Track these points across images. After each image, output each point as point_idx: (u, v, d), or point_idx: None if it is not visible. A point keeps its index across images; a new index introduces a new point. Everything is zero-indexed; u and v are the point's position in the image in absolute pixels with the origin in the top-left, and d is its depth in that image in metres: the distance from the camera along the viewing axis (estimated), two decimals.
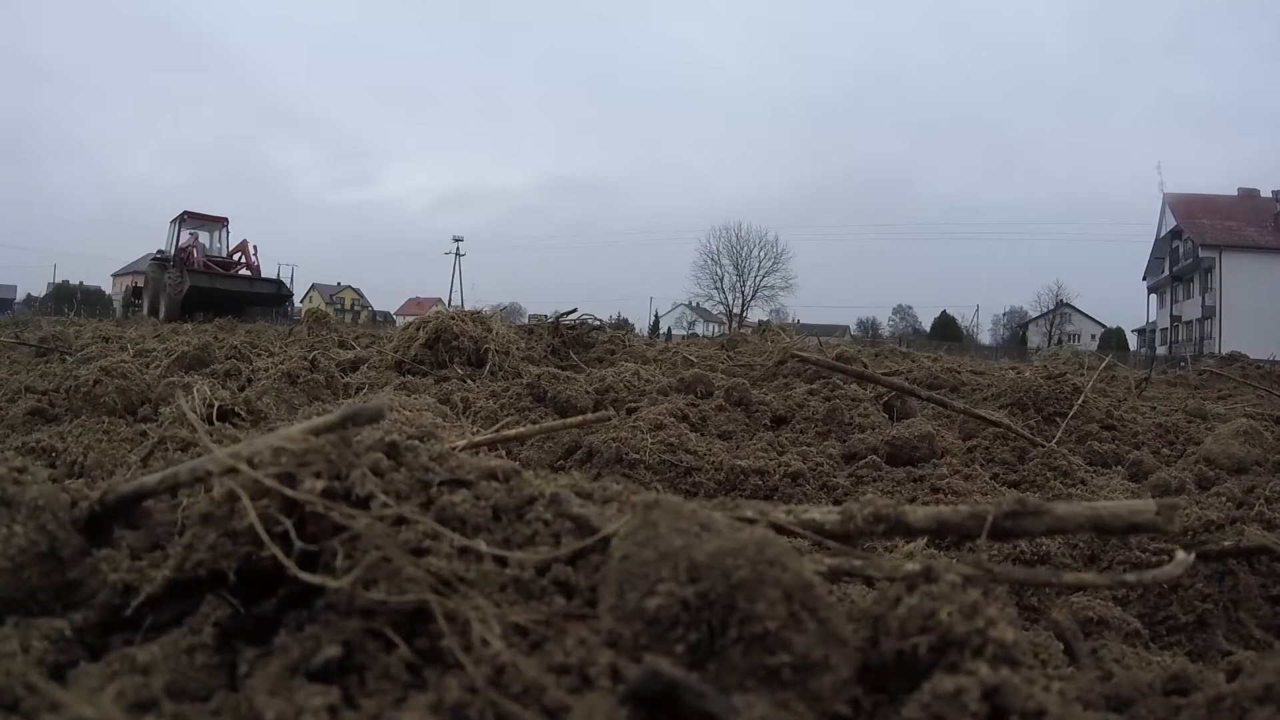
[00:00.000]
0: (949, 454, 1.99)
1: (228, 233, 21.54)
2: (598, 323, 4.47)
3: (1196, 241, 40.58)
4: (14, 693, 0.47)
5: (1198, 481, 1.84)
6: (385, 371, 3.02)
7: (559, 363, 3.61)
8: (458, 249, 52.52)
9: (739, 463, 1.79)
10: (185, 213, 20.48)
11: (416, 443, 0.66)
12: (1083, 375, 2.89)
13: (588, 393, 2.57)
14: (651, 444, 1.84)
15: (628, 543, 0.53)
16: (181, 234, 20.02)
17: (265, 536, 0.55)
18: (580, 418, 1.58)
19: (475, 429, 1.96)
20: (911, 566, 0.57)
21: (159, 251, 20.72)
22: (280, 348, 3.92)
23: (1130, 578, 0.62)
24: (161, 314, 17.33)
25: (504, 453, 1.73)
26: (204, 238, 20.44)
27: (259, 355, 3.33)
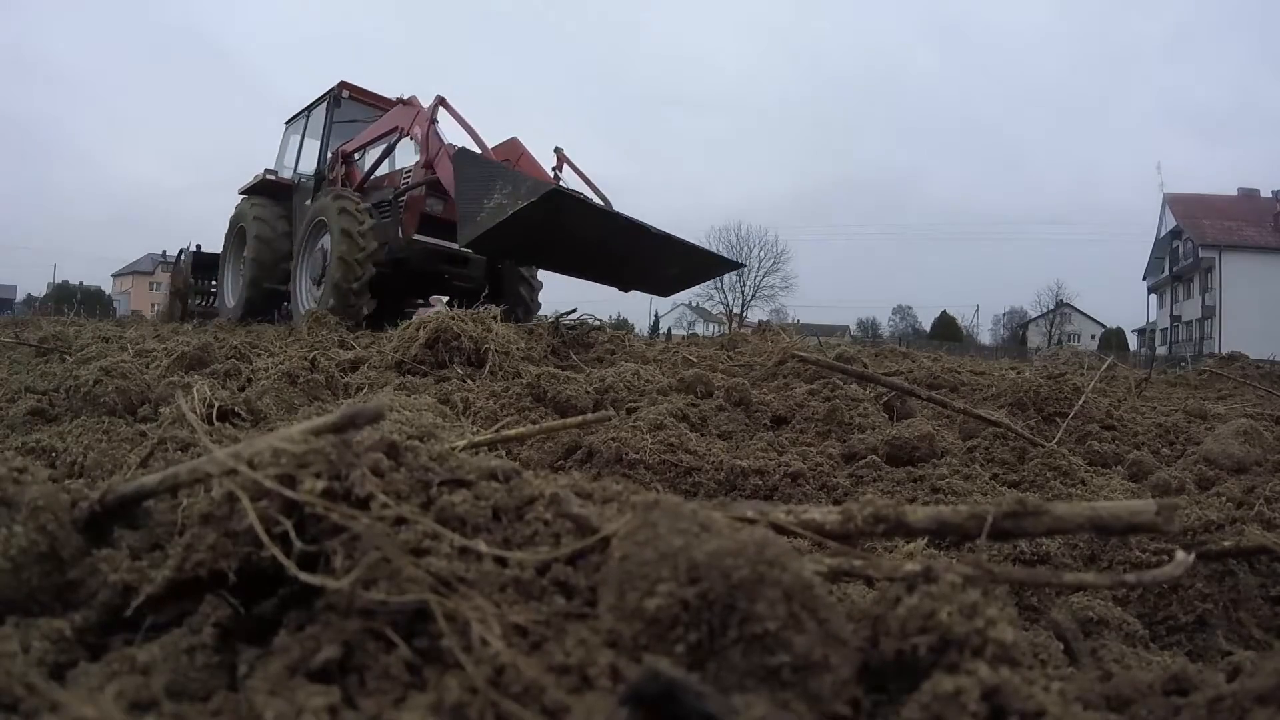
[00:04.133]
0: (949, 454, 1.99)
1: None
2: (598, 323, 4.47)
3: (1196, 241, 40.64)
4: (14, 693, 0.47)
5: (1198, 481, 1.84)
6: (385, 371, 3.02)
7: (559, 363, 3.61)
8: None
9: (739, 463, 1.79)
10: (343, 85, 9.61)
11: (416, 443, 0.66)
12: (1083, 375, 2.89)
13: (588, 393, 2.57)
14: (651, 444, 1.84)
15: (628, 543, 0.53)
16: (331, 136, 9.35)
17: (265, 537, 0.55)
18: (580, 418, 1.58)
19: (475, 429, 1.95)
20: (911, 566, 0.57)
21: (268, 171, 10.15)
22: (280, 348, 3.92)
23: (1130, 578, 0.62)
24: (320, 298, 7.58)
25: (504, 453, 1.73)
26: (372, 152, 8.85)
27: (259, 355, 3.33)
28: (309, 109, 10.34)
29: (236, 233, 10.44)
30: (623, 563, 0.52)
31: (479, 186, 6.33)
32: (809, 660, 0.48)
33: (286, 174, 10.51)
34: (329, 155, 9.41)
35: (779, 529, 0.64)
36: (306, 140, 10.20)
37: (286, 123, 11.20)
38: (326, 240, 7.87)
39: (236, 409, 1.83)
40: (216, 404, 1.77)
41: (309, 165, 9.95)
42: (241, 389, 2.29)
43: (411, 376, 2.93)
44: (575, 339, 4.09)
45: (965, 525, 0.62)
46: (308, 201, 9.24)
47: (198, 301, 12.26)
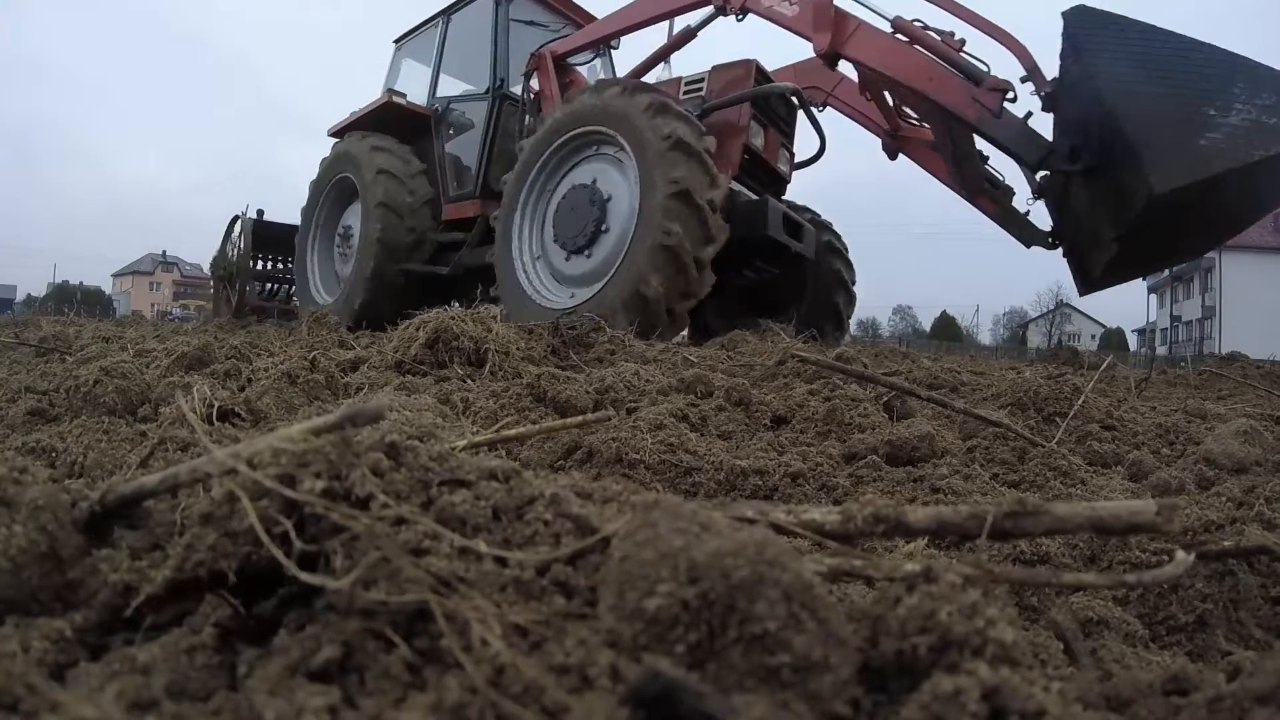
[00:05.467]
0: (949, 454, 1.99)
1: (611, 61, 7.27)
2: (598, 323, 4.46)
3: None
4: (14, 693, 0.47)
5: (1198, 481, 1.84)
6: (385, 371, 3.02)
7: (559, 363, 3.61)
8: None
9: (739, 463, 1.79)
10: None
11: (416, 443, 0.66)
12: (1083, 375, 2.89)
13: (588, 393, 2.57)
14: (651, 444, 1.84)
15: (628, 543, 0.53)
16: (509, 40, 6.34)
17: (265, 537, 0.55)
18: (580, 418, 1.58)
19: (475, 429, 1.95)
20: (911, 566, 0.57)
21: (393, 93, 6.93)
22: (280, 348, 3.92)
23: (1130, 578, 0.62)
24: (634, 289, 4.02)
25: (504, 453, 1.73)
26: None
27: (259, 355, 3.33)
28: (448, 12, 7.16)
29: (332, 187, 6.99)
30: (623, 563, 0.52)
31: (1175, 86, 3.38)
32: (809, 660, 0.48)
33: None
34: (503, 62, 6.16)
35: (779, 529, 0.64)
36: (449, 57, 7.00)
37: (396, 41, 7.84)
38: (598, 180, 4.51)
39: (236, 409, 1.83)
40: (216, 404, 1.77)
41: (459, 86, 6.80)
42: (241, 389, 2.29)
43: (411, 376, 2.93)
44: (575, 339, 4.09)
45: (965, 525, 0.62)
46: (449, 144, 6.35)
47: (261, 291, 8.78)
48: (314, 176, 7.48)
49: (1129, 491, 1.73)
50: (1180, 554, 0.65)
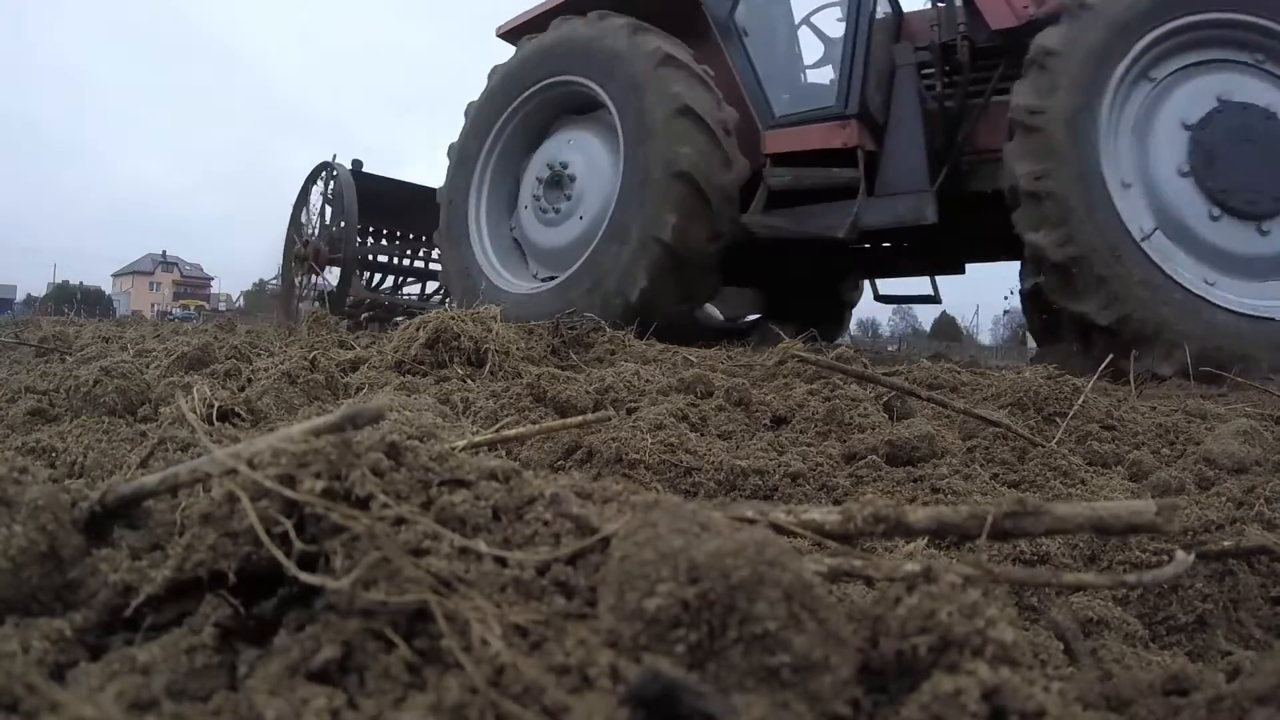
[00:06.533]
0: (949, 454, 1.99)
1: None
2: (598, 323, 4.45)
3: None
4: (14, 693, 0.47)
5: (1198, 481, 1.84)
6: (385, 371, 3.01)
7: (559, 363, 3.61)
8: None
9: (739, 463, 1.79)
10: None
11: (416, 443, 0.66)
12: (1082, 375, 2.89)
13: (588, 393, 2.57)
14: (651, 444, 1.84)
15: (627, 543, 0.53)
16: None
17: (265, 537, 0.55)
18: (580, 418, 1.58)
19: (475, 429, 1.95)
20: (911, 566, 0.57)
21: None
22: (280, 348, 3.92)
23: (1130, 578, 0.62)
24: None
25: (504, 453, 1.73)
26: None
27: (259, 355, 3.33)
28: None
29: (528, 100, 4.51)
30: (623, 563, 0.52)
31: None
32: (809, 660, 0.48)
33: None
34: None
35: (779, 529, 0.64)
36: None
37: None
38: (1238, 95, 3.11)
39: (236, 409, 1.83)
40: (216, 404, 1.77)
41: None
42: (241, 389, 2.29)
43: (411, 376, 2.93)
44: (575, 339, 4.08)
45: (965, 525, 0.62)
46: (757, 44, 4.24)
47: (369, 279, 6.17)
48: (484, 87, 4.55)
49: (1129, 491, 1.73)
50: (1180, 554, 0.65)
